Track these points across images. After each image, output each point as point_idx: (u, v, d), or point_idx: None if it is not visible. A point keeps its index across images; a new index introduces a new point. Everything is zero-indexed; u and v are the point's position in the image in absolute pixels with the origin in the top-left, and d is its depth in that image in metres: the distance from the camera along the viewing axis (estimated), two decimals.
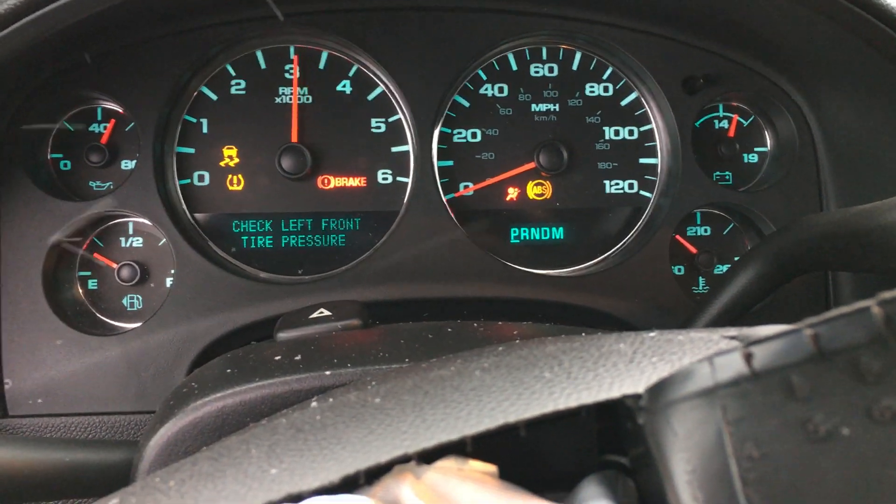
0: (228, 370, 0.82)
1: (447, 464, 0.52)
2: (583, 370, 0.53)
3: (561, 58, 1.40)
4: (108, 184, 1.32)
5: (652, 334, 0.58)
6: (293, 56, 1.35)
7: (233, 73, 1.34)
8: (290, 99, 1.34)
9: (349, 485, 0.50)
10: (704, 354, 0.51)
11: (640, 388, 0.50)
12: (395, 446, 0.50)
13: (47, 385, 1.18)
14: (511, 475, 0.54)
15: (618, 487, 0.54)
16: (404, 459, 0.51)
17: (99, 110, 1.32)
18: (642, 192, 1.41)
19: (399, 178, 1.37)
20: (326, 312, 0.96)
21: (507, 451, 0.56)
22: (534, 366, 0.55)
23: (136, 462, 0.77)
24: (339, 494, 0.48)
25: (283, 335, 0.93)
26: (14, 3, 0.95)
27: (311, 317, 0.95)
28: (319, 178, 1.35)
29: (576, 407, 0.52)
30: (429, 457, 0.53)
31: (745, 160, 1.44)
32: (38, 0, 0.96)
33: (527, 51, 1.40)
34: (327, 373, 0.77)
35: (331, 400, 0.61)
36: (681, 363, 0.52)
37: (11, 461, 0.79)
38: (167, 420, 0.77)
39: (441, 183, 1.35)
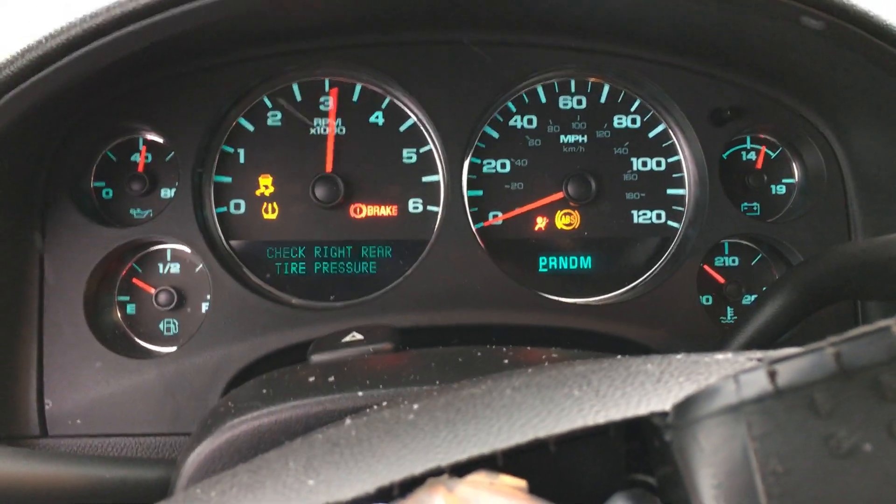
0: (264, 390, 0.84)
1: (478, 478, 0.54)
2: (611, 388, 0.55)
3: (589, 90, 1.43)
4: (147, 211, 1.36)
5: (679, 357, 0.60)
6: (329, 89, 1.39)
7: (269, 105, 1.38)
8: (325, 130, 1.38)
9: (383, 496, 0.51)
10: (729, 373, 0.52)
11: (666, 405, 0.51)
12: (427, 459, 0.52)
13: (86, 406, 1.21)
14: (540, 492, 0.55)
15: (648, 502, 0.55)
16: (437, 472, 0.53)
17: (140, 141, 1.37)
18: (670, 223, 1.43)
19: (430, 207, 1.39)
20: (359, 336, 0.98)
21: (536, 468, 0.57)
22: (563, 384, 0.57)
23: (174, 479, 0.79)
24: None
25: (316, 358, 0.95)
26: (64, 40, 1.00)
27: (344, 340, 0.97)
28: (352, 207, 1.39)
29: (604, 425, 0.53)
30: (460, 471, 0.54)
31: (773, 191, 1.45)
32: (86, 37, 1.01)
33: (556, 83, 1.42)
34: (360, 394, 0.79)
35: (365, 417, 0.63)
36: (707, 382, 0.53)
37: (55, 476, 0.82)
38: (204, 438, 0.79)
39: (470, 212, 1.37)
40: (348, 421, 0.63)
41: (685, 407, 0.49)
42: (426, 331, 1.30)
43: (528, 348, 0.95)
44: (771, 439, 0.45)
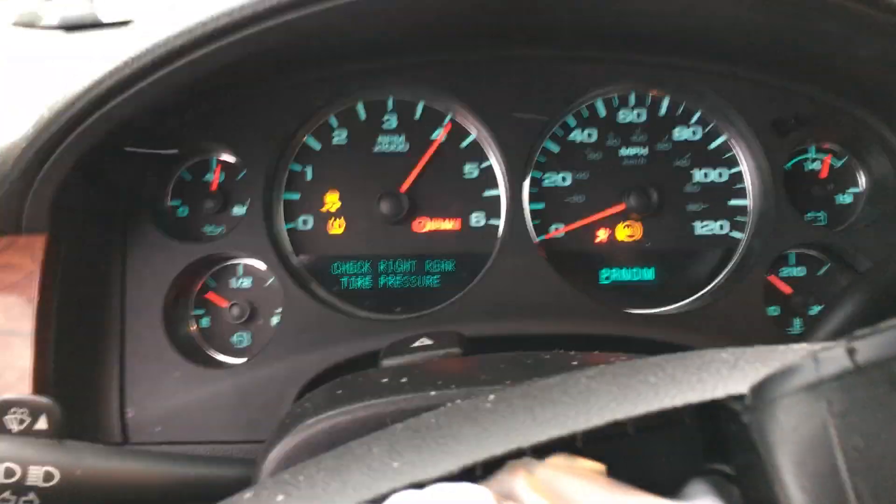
0: (339, 391, 0.87)
1: (558, 461, 0.55)
2: (686, 374, 0.56)
3: (649, 103, 1.44)
4: (220, 228, 1.41)
5: (753, 348, 0.61)
6: (391, 107, 1.43)
7: (335, 125, 1.42)
8: (388, 148, 1.41)
9: (467, 477, 0.53)
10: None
11: (743, 388, 0.52)
12: (508, 441, 0.54)
13: (165, 414, 1.26)
14: (618, 477, 0.56)
15: (724, 491, 0.56)
16: (517, 455, 0.54)
17: (213, 161, 1.43)
18: (733, 234, 1.42)
19: (491, 221, 1.42)
20: (428, 342, 1.00)
21: (614, 455, 0.58)
22: (637, 372, 0.58)
23: (254, 477, 0.82)
24: (459, 483, 0.52)
25: (387, 362, 0.98)
26: (149, 61, 1.06)
27: (414, 345, 1.00)
28: (415, 222, 1.42)
29: (680, 414, 0.54)
30: (540, 455, 0.56)
31: (839, 201, 1.44)
32: (165, 59, 1.06)
33: (615, 97, 1.44)
34: (432, 393, 0.81)
35: (442, 409, 0.65)
36: (785, 362, 0.54)
37: (141, 473, 0.86)
38: (283, 437, 0.82)
39: (532, 225, 1.39)
40: (426, 414, 0.65)
41: (764, 387, 0.50)
42: (490, 340, 1.31)
43: (596, 352, 0.97)
44: (851, 416, 0.46)
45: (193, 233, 1.41)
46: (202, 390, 1.27)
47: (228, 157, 1.42)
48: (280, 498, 0.57)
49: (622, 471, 0.57)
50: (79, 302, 1.22)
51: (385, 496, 0.52)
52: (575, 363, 0.90)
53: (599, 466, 0.56)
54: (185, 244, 1.34)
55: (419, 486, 0.52)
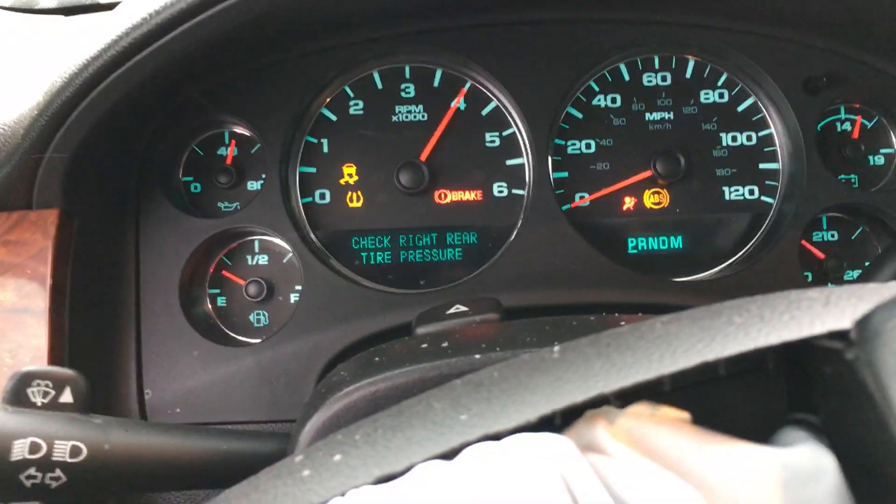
0: (377, 359, 0.83)
1: (639, 409, 0.51)
2: (776, 314, 0.52)
3: (674, 66, 1.40)
4: (235, 204, 1.37)
5: (839, 287, 0.56)
6: (408, 75, 1.38)
7: (351, 95, 1.38)
8: (406, 117, 1.37)
9: (545, 427, 0.49)
10: None
11: (845, 323, 0.48)
12: (586, 388, 0.49)
13: (185, 395, 1.22)
14: (702, 425, 0.52)
15: (818, 440, 0.52)
16: (597, 404, 0.50)
17: (226, 135, 1.38)
18: (763, 198, 1.38)
19: (514, 191, 1.37)
20: (463, 308, 0.96)
21: (692, 406, 0.54)
22: (719, 315, 0.54)
23: (290, 450, 0.78)
24: (539, 432, 0.47)
25: (422, 329, 0.94)
26: (159, 21, 1.01)
27: (449, 312, 0.96)
28: (436, 193, 1.37)
29: (764, 354, 0.50)
30: (621, 404, 0.52)
31: (871, 162, 1.40)
32: (173, 22, 1.01)
33: (639, 60, 1.40)
34: (477, 356, 0.76)
35: (502, 364, 0.60)
36: (882, 300, 0.50)
37: (174, 447, 0.81)
38: (320, 406, 0.78)
39: (557, 194, 1.35)
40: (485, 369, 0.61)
41: (873, 320, 0.46)
42: (519, 311, 1.27)
43: (640, 314, 0.92)
44: None
45: (207, 209, 1.36)
46: (222, 370, 1.23)
47: (242, 131, 1.37)
48: (337, 457, 0.52)
49: (704, 420, 0.53)
50: (93, 279, 1.18)
51: (457, 450, 0.48)
52: (623, 323, 0.86)
53: (684, 414, 0.51)
54: (200, 220, 1.29)
55: (495, 438, 0.48)
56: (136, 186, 1.28)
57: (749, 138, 1.39)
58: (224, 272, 1.36)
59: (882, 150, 1.40)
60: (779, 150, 1.38)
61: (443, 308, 0.97)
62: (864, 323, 0.46)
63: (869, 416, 0.46)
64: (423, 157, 1.36)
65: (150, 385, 1.22)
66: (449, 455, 0.50)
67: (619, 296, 1.27)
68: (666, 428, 0.49)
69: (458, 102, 1.37)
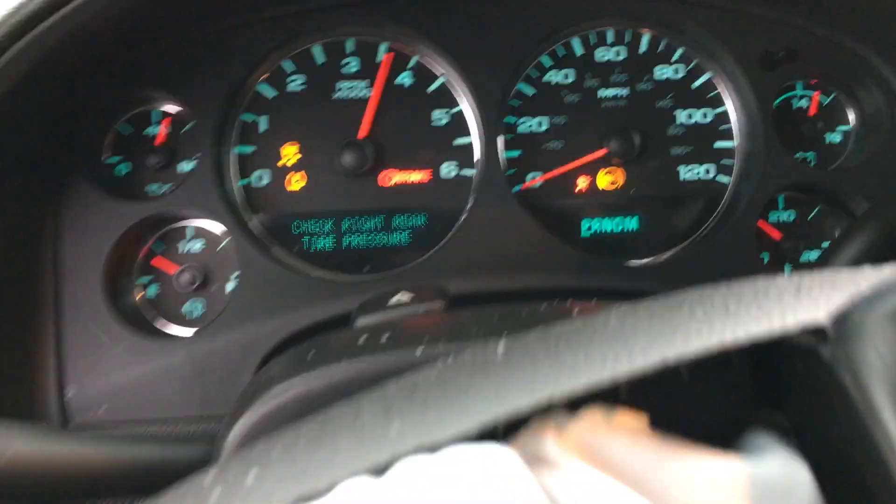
0: (311, 353, 0.76)
1: (592, 415, 0.45)
2: (742, 305, 0.46)
3: (629, 40, 1.34)
4: (167, 186, 1.28)
5: (807, 274, 0.51)
6: (351, 49, 1.30)
7: (290, 69, 1.30)
8: (350, 94, 1.30)
9: (486, 438, 0.43)
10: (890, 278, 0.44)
11: (819, 316, 0.43)
12: (532, 392, 0.44)
13: (110, 392, 1.13)
14: (661, 429, 0.47)
15: (788, 442, 0.47)
16: (544, 411, 0.44)
17: (154, 113, 1.29)
18: (719, 178, 1.34)
19: (464, 172, 1.31)
20: (406, 297, 0.90)
21: (649, 404, 0.49)
22: (678, 308, 0.49)
23: (215, 456, 0.72)
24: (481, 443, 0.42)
25: (362, 321, 0.87)
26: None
27: (391, 302, 0.89)
28: (382, 174, 1.30)
29: (728, 351, 0.45)
30: (570, 410, 0.46)
31: (827, 140, 1.36)
32: None
33: (592, 34, 1.34)
34: (418, 351, 0.70)
35: (440, 363, 0.54)
36: (858, 290, 0.45)
37: (86, 457, 0.74)
38: (248, 408, 0.71)
39: (508, 175, 1.29)
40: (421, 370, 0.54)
41: (853, 314, 0.40)
42: (469, 298, 1.21)
43: (595, 301, 0.87)
44: None
45: (136, 192, 1.27)
46: (151, 364, 1.15)
47: (172, 108, 1.28)
48: (251, 476, 0.46)
49: (663, 422, 0.47)
50: (6, 268, 1.08)
51: (388, 464, 0.42)
52: (576, 312, 0.80)
53: (641, 420, 0.46)
54: (127, 203, 1.20)
55: (432, 449, 0.42)
56: (56, 166, 1.18)
57: (705, 116, 1.35)
58: (155, 259, 1.27)
59: (839, 128, 1.36)
60: (734, 127, 1.34)
61: (385, 297, 0.91)
62: (842, 318, 0.41)
63: (846, 419, 0.41)
64: (363, 134, 1.28)
65: (72, 382, 1.13)
66: (379, 470, 0.44)
67: (572, 280, 1.22)
68: (621, 437, 0.44)
69: (386, 70, 1.30)
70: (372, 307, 0.89)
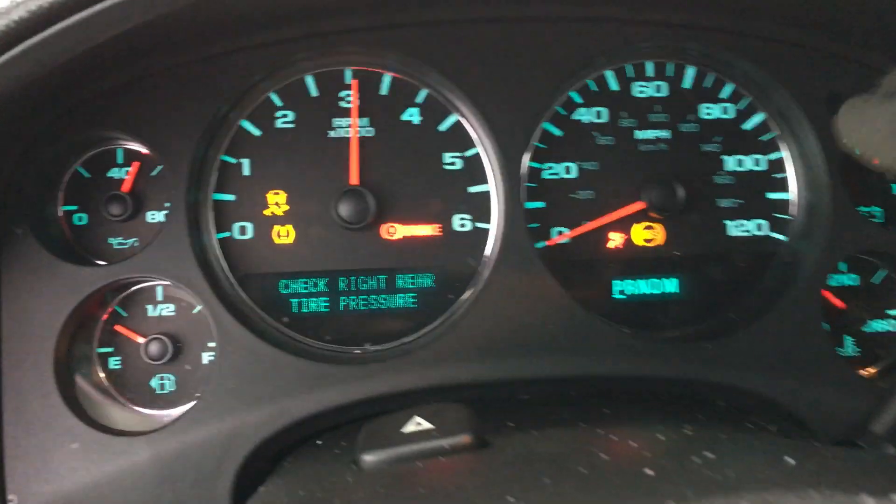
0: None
1: None
2: None
3: (670, 74, 1.17)
4: (131, 240, 1.10)
5: None
6: (350, 81, 1.12)
7: (279, 104, 1.11)
8: (349, 132, 1.11)
9: None
10: None
11: None
12: None
13: (62, 501, 0.95)
14: None
15: None
16: None
17: (119, 152, 1.10)
18: (772, 234, 1.17)
19: (479, 225, 1.13)
20: (425, 424, 0.72)
21: None
22: None
23: None
24: None
25: (370, 457, 0.69)
26: (9, 24, 0.73)
27: (406, 430, 0.71)
28: (384, 227, 1.12)
29: None
30: None
31: (895, 191, 1.19)
32: (39, 21, 0.74)
33: (628, 67, 1.16)
34: None
35: None
36: None
37: None
38: None
39: (530, 229, 1.10)
40: None
41: None
42: (485, 385, 1.04)
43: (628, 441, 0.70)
44: None
45: (94, 248, 1.09)
46: (111, 465, 0.96)
47: (139, 148, 1.09)
48: None
49: None
50: None
51: None
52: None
53: None
54: (84, 268, 1.02)
55: None
56: None
57: (757, 162, 1.17)
58: (117, 326, 1.08)
59: None
60: (791, 176, 1.16)
61: (397, 422, 0.73)
62: None
63: None
64: (367, 182, 1.10)
65: (16, 489, 0.95)
66: None
67: (606, 367, 1.04)
68: None
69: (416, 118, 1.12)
70: (382, 437, 0.71)
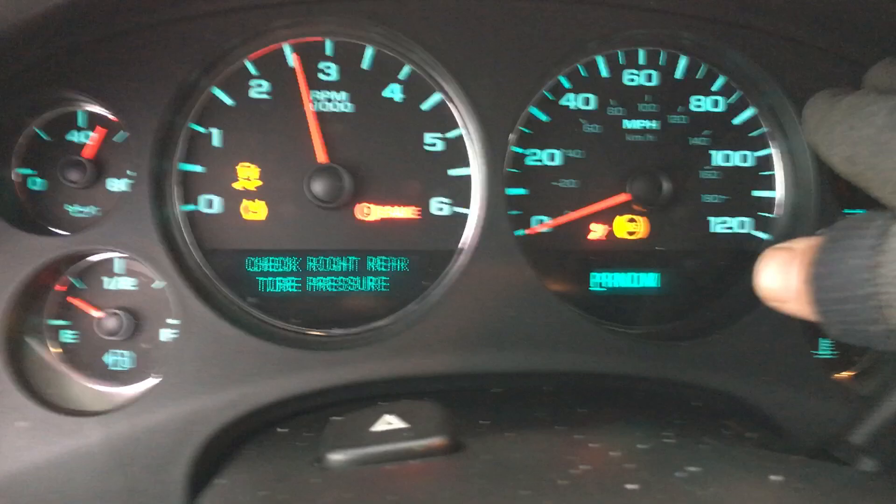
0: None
1: None
2: None
3: (662, 63, 1.13)
4: (89, 208, 1.04)
5: None
6: (330, 52, 1.06)
7: (254, 73, 1.05)
8: (325, 107, 1.06)
9: None
10: None
11: None
12: None
13: (7, 482, 0.89)
14: None
15: None
16: None
17: (80, 115, 1.04)
18: (754, 233, 1.14)
19: (458, 209, 1.09)
20: (396, 422, 0.68)
21: None
22: None
23: None
24: None
25: (336, 456, 0.65)
26: None
27: (375, 429, 0.67)
28: (359, 207, 1.08)
29: None
30: None
31: None
32: None
33: (620, 54, 1.12)
34: None
35: None
36: None
37: None
38: None
39: (510, 216, 1.06)
40: None
41: None
42: (455, 377, 1.00)
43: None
44: None
45: (51, 215, 1.03)
46: (60, 445, 0.91)
47: (101, 111, 1.03)
48: None
49: None
50: None
51: None
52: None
53: None
54: (38, 236, 0.96)
55: None
56: None
57: (744, 158, 1.14)
58: (71, 298, 1.03)
59: None
60: (779, 175, 1.14)
61: (366, 419, 0.69)
62: None
63: None
64: (343, 160, 1.05)
65: None
66: None
67: (580, 361, 1.01)
68: None
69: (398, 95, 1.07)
70: (350, 436, 0.67)
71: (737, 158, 1.14)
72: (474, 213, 1.08)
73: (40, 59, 0.95)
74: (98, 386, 1.03)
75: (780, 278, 0.63)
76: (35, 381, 0.96)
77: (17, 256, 0.94)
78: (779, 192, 1.14)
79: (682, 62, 1.13)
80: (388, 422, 0.67)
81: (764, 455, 0.69)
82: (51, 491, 0.90)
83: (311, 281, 1.08)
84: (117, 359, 1.03)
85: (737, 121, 1.14)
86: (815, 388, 1.04)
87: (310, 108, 1.05)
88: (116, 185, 1.04)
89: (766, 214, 1.14)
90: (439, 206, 1.09)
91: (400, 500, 0.55)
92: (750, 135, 1.14)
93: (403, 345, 0.99)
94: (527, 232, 1.11)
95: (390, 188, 1.08)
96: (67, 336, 1.03)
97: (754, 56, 1.09)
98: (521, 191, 1.11)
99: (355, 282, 1.09)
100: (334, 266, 1.08)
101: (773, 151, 1.14)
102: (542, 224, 1.11)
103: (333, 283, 1.08)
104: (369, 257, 1.09)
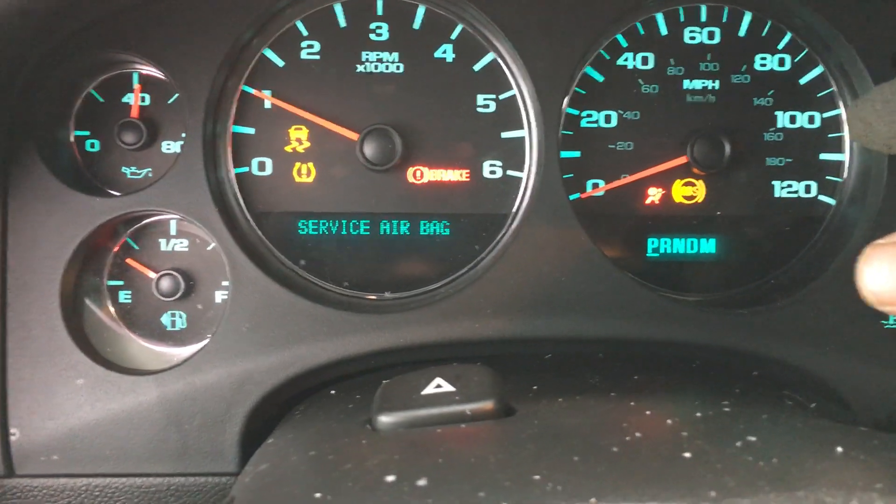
0: (312, 453, 0.55)
1: None
2: None
3: (725, 20, 1.08)
4: (145, 170, 1.05)
5: None
6: (381, 12, 1.05)
7: (304, 33, 1.04)
8: (377, 67, 1.05)
9: None
10: None
11: None
12: None
13: (65, 437, 0.92)
14: None
15: None
16: None
17: (135, 76, 1.04)
18: (821, 198, 1.10)
19: (510, 172, 1.07)
20: (446, 386, 0.67)
21: None
22: None
23: None
24: None
25: (386, 418, 0.65)
26: None
27: (426, 392, 0.67)
28: (410, 170, 1.06)
29: None
30: None
31: None
32: None
33: (681, 10, 1.08)
34: None
35: None
36: None
37: None
38: None
39: (564, 179, 1.04)
40: None
41: None
42: (508, 342, 0.99)
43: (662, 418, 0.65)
44: None
45: (107, 176, 1.05)
46: (117, 403, 0.93)
47: (156, 73, 1.03)
48: None
49: None
50: None
51: None
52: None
53: None
54: (94, 197, 0.97)
55: None
56: (5, 146, 0.94)
57: (811, 120, 1.09)
58: (129, 260, 1.04)
59: None
60: (847, 137, 1.09)
61: (415, 382, 0.68)
62: None
63: None
64: (394, 121, 1.04)
65: (18, 423, 0.92)
66: None
67: (635, 328, 0.98)
68: None
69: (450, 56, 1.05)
70: (399, 399, 0.66)
71: (803, 119, 1.09)
72: (527, 177, 1.06)
73: (95, 20, 0.96)
74: (154, 346, 1.05)
75: (891, 277, 0.56)
76: (93, 340, 0.98)
77: (75, 217, 0.95)
78: (847, 155, 1.09)
79: (747, 18, 1.08)
80: (438, 385, 0.67)
81: (827, 426, 0.66)
82: (107, 447, 0.92)
83: (362, 244, 1.07)
84: (173, 319, 1.05)
85: (803, 80, 1.09)
86: (885, 359, 1.00)
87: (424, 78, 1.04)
88: (170, 147, 1.05)
89: (834, 178, 1.09)
90: (491, 168, 1.07)
91: (448, 464, 0.54)
92: (818, 95, 1.09)
93: (455, 309, 0.98)
94: (581, 196, 1.08)
95: (441, 151, 1.07)
96: (124, 296, 1.05)
97: (823, 11, 1.03)
98: (575, 153, 1.08)
99: (408, 245, 1.08)
100: (385, 230, 1.08)
101: (842, 112, 1.08)
102: (596, 188, 1.08)
103: (385, 247, 1.08)
104: (422, 221, 1.08)
